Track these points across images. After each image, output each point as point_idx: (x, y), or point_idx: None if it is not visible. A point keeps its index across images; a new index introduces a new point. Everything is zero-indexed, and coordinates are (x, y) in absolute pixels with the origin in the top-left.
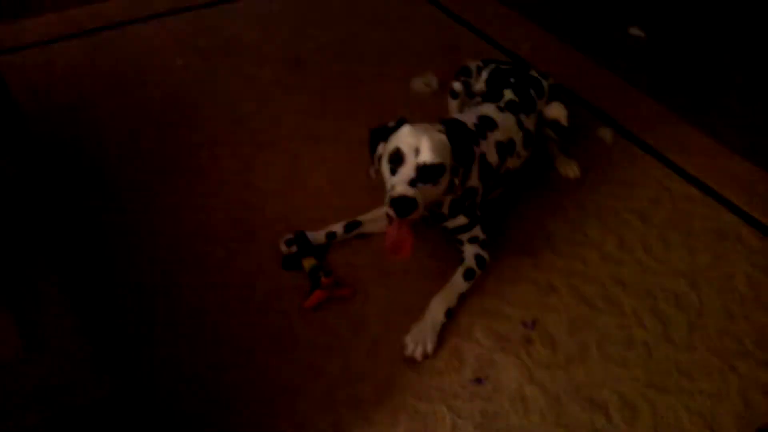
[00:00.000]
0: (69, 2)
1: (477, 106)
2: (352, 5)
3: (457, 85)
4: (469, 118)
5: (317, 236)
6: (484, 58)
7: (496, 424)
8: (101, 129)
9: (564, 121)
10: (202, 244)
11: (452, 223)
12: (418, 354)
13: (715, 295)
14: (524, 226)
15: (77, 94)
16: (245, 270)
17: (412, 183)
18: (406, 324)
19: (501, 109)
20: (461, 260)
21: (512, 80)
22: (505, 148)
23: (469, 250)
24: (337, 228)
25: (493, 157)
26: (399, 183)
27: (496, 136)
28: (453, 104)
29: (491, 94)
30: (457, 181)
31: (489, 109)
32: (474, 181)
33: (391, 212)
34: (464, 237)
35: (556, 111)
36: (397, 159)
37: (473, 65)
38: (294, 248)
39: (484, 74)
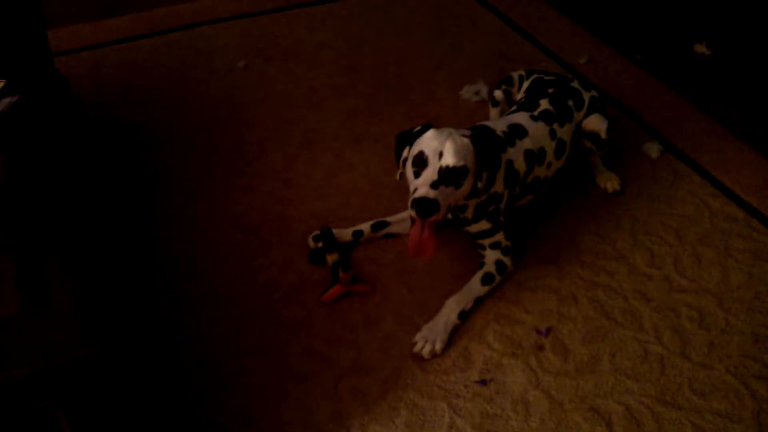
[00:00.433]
0: (146, 4)
1: (510, 114)
2: (413, 14)
3: (498, 94)
4: (499, 125)
5: (343, 233)
6: (528, 68)
7: (494, 425)
8: (163, 123)
9: (603, 133)
10: (236, 234)
11: (475, 228)
12: (426, 352)
13: (743, 316)
14: (553, 235)
15: (146, 90)
16: (274, 262)
17: (434, 185)
18: (421, 323)
19: (534, 118)
20: (481, 265)
21: (551, 90)
22: (534, 156)
23: (490, 256)
24: (365, 227)
25: (520, 165)
26: (421, 185)
27: (526, 144)
28: (493, 112)
29: (527, 103)
30: (480, 185)
31: (521, 118)
32: (499, 186)
33: (413, 213)
34: (486, 242)
35: (595, 123)
36: (420, 162)
37: (516, 74)
38: (320, 244)
39: (525, 84)
